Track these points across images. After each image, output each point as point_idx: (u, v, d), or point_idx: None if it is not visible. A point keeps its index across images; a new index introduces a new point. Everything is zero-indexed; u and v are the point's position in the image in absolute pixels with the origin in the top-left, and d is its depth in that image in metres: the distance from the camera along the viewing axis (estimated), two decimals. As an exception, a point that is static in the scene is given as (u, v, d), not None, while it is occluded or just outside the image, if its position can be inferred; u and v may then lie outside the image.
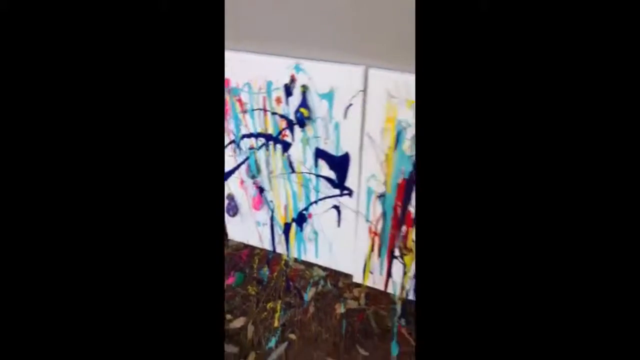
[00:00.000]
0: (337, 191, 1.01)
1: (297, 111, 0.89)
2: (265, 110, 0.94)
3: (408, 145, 0.84)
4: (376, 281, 1.12)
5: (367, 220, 1.01)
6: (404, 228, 0.98)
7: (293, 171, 1.02)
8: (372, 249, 1.06)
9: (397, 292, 1.11)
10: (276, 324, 1.13)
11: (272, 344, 1.08)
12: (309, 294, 1.19)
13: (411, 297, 1.10)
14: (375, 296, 1.16)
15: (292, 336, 1.10)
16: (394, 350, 1.04)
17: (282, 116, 0.93)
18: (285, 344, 1.08)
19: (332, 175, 0.98)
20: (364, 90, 0.81)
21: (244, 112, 0.97)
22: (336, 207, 1.04)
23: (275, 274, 1.25)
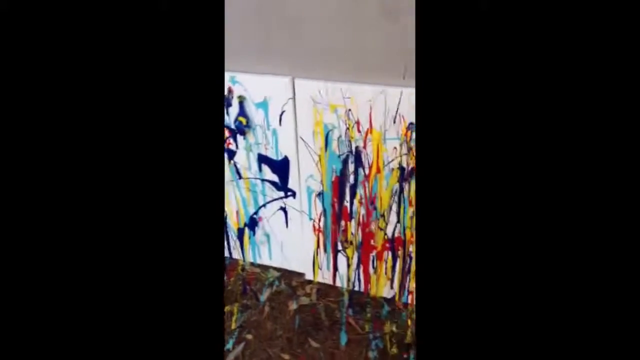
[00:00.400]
0: (281, 193, 1.09)
1: (236, 120, 0.98)
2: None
3: (336, 145, 0.94)
4: (325, 276, 1.20)
5: (310, 219, 1.10)
6: (342, 222, 1.07)
7: (240, 177, 1.10)
8: (317, 246, 1.14)
9: (344, 285, 1.19)
10: (233, 326, 1.17)
11: (229, 345, 1.12)
12: (264, 295, 1.25)
13: (357, 287, 1.18)
14: (325, 291, 1.23)
15: (249, 336, 1.14)
16: (343, 339, 1.10)
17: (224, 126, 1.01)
18: (242, 344, 1.13)
19: (275, 178, 1.07)
20: (293, 98, 0.91)
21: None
22: (283, 209, 1.12)
23: (232, 279, 1.31)
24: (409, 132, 0.87)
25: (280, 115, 0.95)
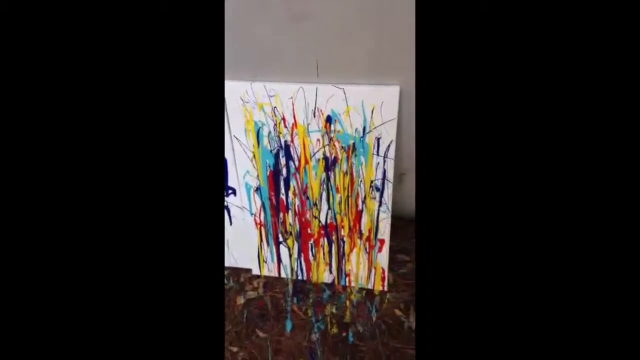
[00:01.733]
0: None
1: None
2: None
3: (267, 141, 1.02)
4: (270, 269, 1.25)
5: (251, 214, 1.16)
6: (281, 215, 1.14)
7: (182, 179, 1.15)
8: (261, 240, 1.20)
9: (289, 275, 1.24)
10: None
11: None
12: (213, 294, 1.27)
13: (300, 276, 1.23)
14: (271, 283, 1.27)
15: (199, 334, 1.16)
16: (288, 326, 1.15)
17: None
18: (193, 342, 1.14)
19: (215, 177, 1.12)
20: (224, 99, 0.99)
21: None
22: (225, 207, 1.17)
23: (182, 281, 1.32)
24: (328, 125, 0.97)
25: (214, 116, 1.02)
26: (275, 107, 0.97)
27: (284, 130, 1.00)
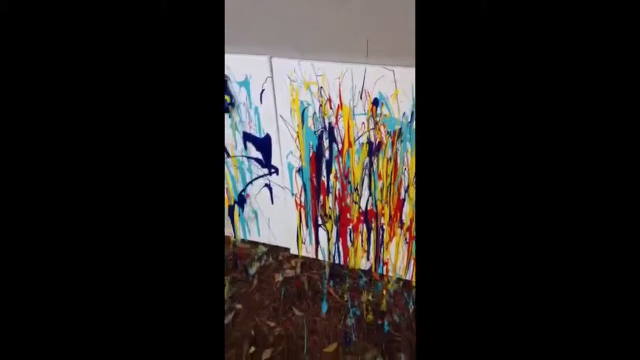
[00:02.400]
0: (265, 170, 1.15)
1: (221, 99, 1.05)
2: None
3: (311, 122, 1.00)
4: (308, 250, 1.25)
5: (292, 194, 1.15)
6: (321, 197, 1.12)
7: (228, 155, 1.17)
8: (300, 221, 1.20)
9: (326, 258, 1.24)
10: (224, 297, 1.23)
11: (218, 312, 1.18)
12: (253, 269, 1.31)
13: (337, 260, 1.22)
14: (308, 264, 1.28)
15: (239, 306, 1.20)
16: (324, 307, 1.15)
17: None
18: (232, 313, 1.19)
19: (259, 155, 1.13)
20: (272, 77, 0.98)
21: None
22: (267, 186, 1.18)
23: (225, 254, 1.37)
24: (374, 108, 0.92)
25: (261, 94, 1.01)
26: (321, 87, 0.94)
27: (329, 112, 0.97)
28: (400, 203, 1.04)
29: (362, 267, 1.20)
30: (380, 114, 0.92)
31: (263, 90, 1.01)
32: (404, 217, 1.06)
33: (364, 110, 0.93)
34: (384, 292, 1.16)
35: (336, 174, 1.06)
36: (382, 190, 1.04)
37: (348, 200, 1.09)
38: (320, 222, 1.17)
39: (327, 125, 0.99)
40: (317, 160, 1.06)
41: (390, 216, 1.07)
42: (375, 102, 0.91)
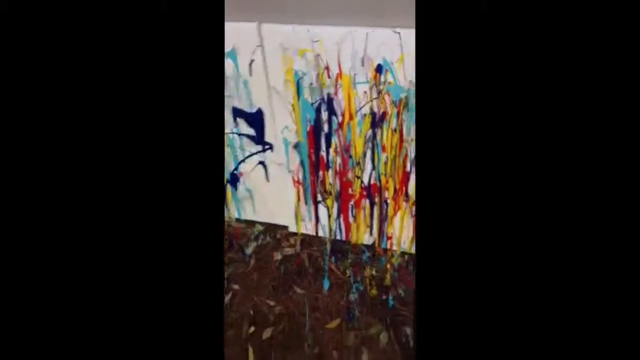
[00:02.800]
0: (259, 147, 1.07)
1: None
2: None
3: (308, 93, 0.92)
4: (308, 227, 1.20)
5: (289, 171, 1.08)
6: (320, 173, 1.06)
7: (217, 132, 1.07)
8: (298, 198, 1.14)
9: (327, 234, 1.20)
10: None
11: (218, 295, 1.14)
12: (250, 249, 1.26)
13: (338, 236, 1.18)
14: (308, 241, 1.24)
15: (236, 286, 1.16)
16: (326, 284, 1.12)
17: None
18: (230, 294, 1.14)
19: (251, 132, 1.04)
20: (261, 45, 0.87)
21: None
22: (262, 163, 1.10)
23: (220, 234, 1.31)
24: (378, 75, 0.84)
25: (250, 65, 0.91)
26: (318, 54, 0.85)
27: (327, 81, 0.88)
28: (406, 176, 0.98)
29: (365, 242, 1.16)
30: (385, 81, 0.84)
31: (252, 61, 0.90)
32: (409, 191, 1.01)
33: (367, 78, 0.85)
34: (388, 266, 1.14)
35: (336, 148, 0.99)
36: (386, 163, 0.98)
37: (349, 175, 1.03)
38: (320, 198, 1.12)
39: (325, 96, 0.91)
40: (315, 135, 0.98)
41: (395, 190, 1.02)
42: (379, 69, 0.83)
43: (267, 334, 1.02)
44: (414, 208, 1.04)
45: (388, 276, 1.11)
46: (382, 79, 0.84)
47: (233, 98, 0.98)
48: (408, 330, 1.01)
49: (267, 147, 1.06)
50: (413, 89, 0.84)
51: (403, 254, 1.15)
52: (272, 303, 1.10)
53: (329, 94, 0.90)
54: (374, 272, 1.12)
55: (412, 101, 0.85)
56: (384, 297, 1.07)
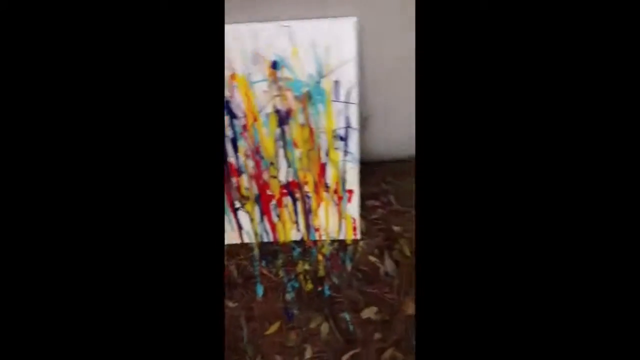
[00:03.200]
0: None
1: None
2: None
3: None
4: (232, 237, 1.13)
5: (199, 182, 0.99)
6: (233, 180, 0.98)
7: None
8: (215, 208, 1.06)
9: (253, 239, 1.14)
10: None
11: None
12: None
13: (265, 239, 1.13)
14: (235, 250, 1.17)
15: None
16: (259, 291, 1.07)
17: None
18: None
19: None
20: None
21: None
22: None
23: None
24: (274, 72, 0.78)
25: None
26: (204, 55, 0.75)
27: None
28: (323, 168, 0.96)
29: (294, 239, 1.13)
30: (282, 77, 0.79)
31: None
32: (328, 181, 0.99)
33: (263, 76, 0.78)
34: (320, 257, 1.13)
35: (246, 151, 0.92)
36: (300, 158, 0.94)
37: (265, 176, 0.98)
38: (238, 205, 1.05)
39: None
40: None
41: (314, 183, 0.99)
42: (274, 66, 0.77)
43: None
44: (335, 196, 1.03)
45: (321, 267, 1.10)
46: (280, 74, 0.78)
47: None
48: (347, 316, 1.02)
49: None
50: (314, 81, 0.79)
51: (333, 241, 1.14)
52: (207, 322, 1.03)
53: (227, 97, 0.82)
54: (307, 267, 1.11)
55: (316, 94, 0.81)
56: (319, 288, 1.07)
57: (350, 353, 0.96)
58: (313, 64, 0.77)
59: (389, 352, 0.96)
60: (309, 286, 1.07)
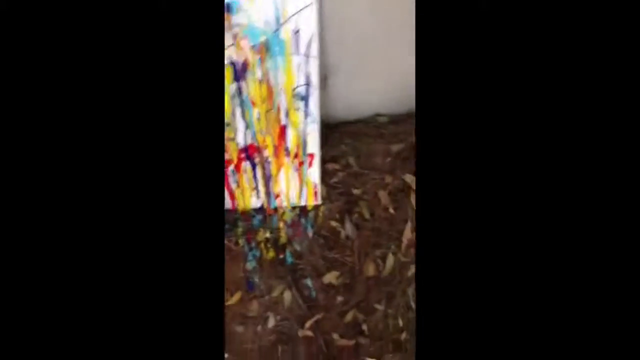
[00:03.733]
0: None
1: None
2: None
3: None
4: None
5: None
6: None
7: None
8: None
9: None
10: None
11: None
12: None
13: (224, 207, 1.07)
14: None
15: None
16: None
17: None
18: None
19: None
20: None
21: None
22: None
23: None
24: (229, 17, 0.71)
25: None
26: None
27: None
28: (283, 130, 0.91)
29: (254, 206, 1.08)
30: (237, 24, 0.72)
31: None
32: (289, 145, 0.94)
33: (216, 21, 0.71)
34: (281, 224, 1.08)
35: (199, 110, 0.85)
36: (259, 119, 0.88)
37: (221, 139, 0.91)
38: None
39: (170, 48, 0.74)
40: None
41: (274, 147, 0.94)
42: (229, 9, 0.70)
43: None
44: (296, 161, 0.99)
45: (282, 234, 1.07)
46: (234, 20, 0.71)
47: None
48: (309, 282, 0.99)
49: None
50: (271, 30, 0.73)
51: (294, 207, 1.10)
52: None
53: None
54: (268, 235, 1.06)
55: (274, 45, 0.75)
56: (281, 256, 1.03)
57: (314, 319, 0.94)
58: (271, 9, 0.70)
59: (350, 315, 0.95)
60: (271, 254, 1.03)
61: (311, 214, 1.09)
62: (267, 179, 1.02)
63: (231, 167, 0.98)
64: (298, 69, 0.80)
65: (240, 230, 1.07)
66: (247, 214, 1.09)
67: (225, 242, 1.05)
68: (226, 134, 0.91)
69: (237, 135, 0.91)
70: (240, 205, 1.07)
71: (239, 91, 0.83)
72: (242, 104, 0.85)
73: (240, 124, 0.89)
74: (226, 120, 0.88)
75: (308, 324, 0.95)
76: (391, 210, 1.06)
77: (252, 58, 0.77)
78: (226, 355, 0.89)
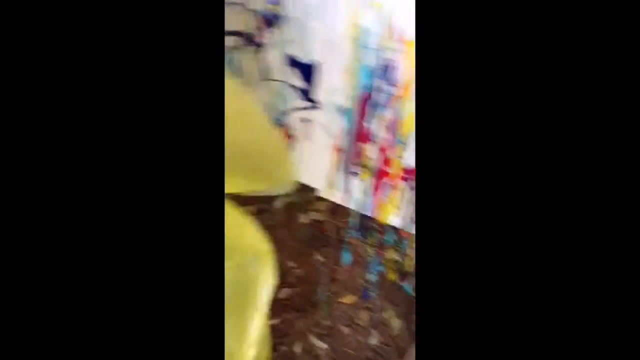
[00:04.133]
0: (305, 103, 0.99)
1: (266, 7, 0.85)
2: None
3: (368, 54, 0.81)
4: (339, 196, 1.14)
5: (331, 136, 1.00)
6: (362, 145, 0.97)
7: (265, 78, 1.00)
8: (335, 165, 1.07)
9: (355, 207, 1.13)
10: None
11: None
12: (278, 204, 1.22)
13: (367, 212, 1.11)
14: (336, 210, 1.18)
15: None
16: (346, 258, 1.07)
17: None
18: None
19: (301, 84, 0.96)
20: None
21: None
22: (305, 120, 1.03)
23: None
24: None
25: (312, 8, 0.81)
26: (393, 9, 0.73)
27: (393, 44, 0.77)
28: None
29: (393, 224, 1.08)
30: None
31: (315, 3, 0.80)
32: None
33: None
34: (409, 251, 1.06)
35: (386, 122, 0.89)
36: (435, 148, 0.87)
37: (391, 154, 0.94)
38: (355, 170, 1.04)
39: (386, 62, 0.80)
40: (366, 103, 0.89)
41: (438, 179, 0.92)
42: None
43: (283, 294, 1.00)
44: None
45: (408, 262, 1.04)
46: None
47: (289, 43, 0.89)
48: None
49: (313, 104, 0.98)
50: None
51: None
52: (292, 264, 1.08)
53: (390, 61, 0.79)
54: (396, 257, 1.06)
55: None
56: (401, 282, 1.01)
57: (413, 354, 0.90)
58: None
59: None
60: (391, 276, 1.02)
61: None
62: (411, 204, 1.01)
63: (388, 181, 1.00)
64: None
65: (372, 239, 1.09)
66: (384, 228, 1.11)
67: (356, 242, 1.09)
68: (396, 152, 0.93)
69: (406, 155, 0.92)
70: (381, 217, 1.10)
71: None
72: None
73: (412, 146, 0.90)
74: (403, 139, 0.90)
75: (406, 358, 0.91)
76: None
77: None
78: (325, 346, 0.93)
